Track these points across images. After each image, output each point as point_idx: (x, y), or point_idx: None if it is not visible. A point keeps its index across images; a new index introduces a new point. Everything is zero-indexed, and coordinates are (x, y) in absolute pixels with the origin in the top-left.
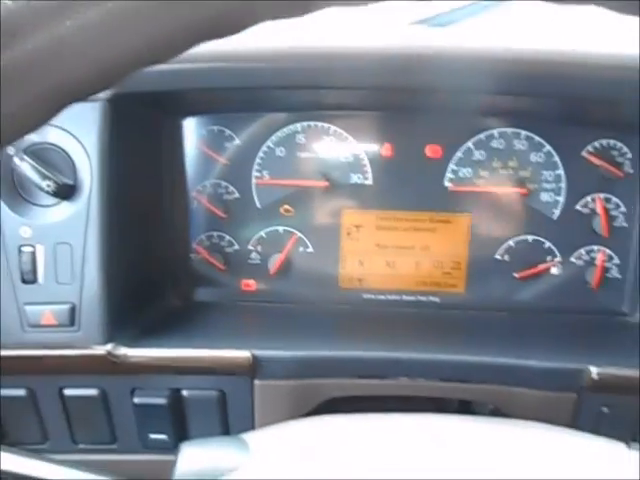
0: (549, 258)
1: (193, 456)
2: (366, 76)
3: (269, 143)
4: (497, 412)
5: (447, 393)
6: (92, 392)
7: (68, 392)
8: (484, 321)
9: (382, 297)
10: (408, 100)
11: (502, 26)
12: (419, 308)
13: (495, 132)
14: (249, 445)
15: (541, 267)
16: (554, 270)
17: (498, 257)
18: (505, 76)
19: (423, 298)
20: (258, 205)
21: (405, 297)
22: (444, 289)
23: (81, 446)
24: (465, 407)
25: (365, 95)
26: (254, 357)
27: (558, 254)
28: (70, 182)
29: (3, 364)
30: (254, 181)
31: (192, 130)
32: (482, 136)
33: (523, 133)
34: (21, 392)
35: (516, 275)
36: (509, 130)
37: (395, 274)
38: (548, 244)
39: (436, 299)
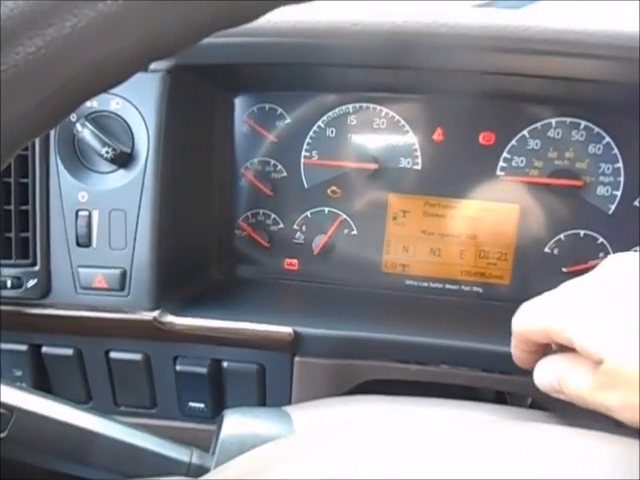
0: (601, 255)
1: (237, 423)
2: (420, 56)
3: (320, 123)
4: (535, 406)
5: (487, 383)
6: (136, 356)
7: (114, 355)
8: None
9: (425, 284)
10: (462, 84)
11: (574, 7)
12: (462, 297)
13: (553, 121)
14: (292, 417)
15: (592, 263)
16: None
17: (547, 250)
18: (564, 61)
19: (466, 288)
20: (305, 185)
21: (448, 286)
22: (489, 280)
23: (122, 408)
24: (502, 399)
25: (419, 76)
26: (295, 333)
27: (611, 251)
28: (127, 150)
29: (55, 323)
30: (303, 161)
31: (244, 107)
32: (538, 125)
33: (582, 123)
34: (69, 352)
35: (565, 270)
36: (567, 120)
37: (439, 262)
38: (601, 240)
39: (480, 289)
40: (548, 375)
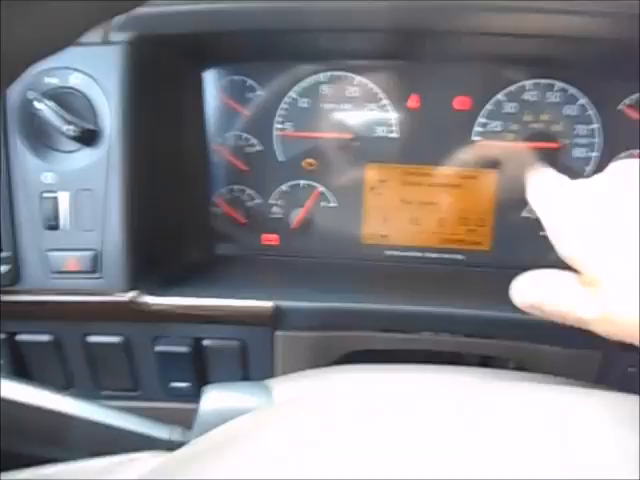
0: None
1: (216, 398)
2: (388, 18)
3: (292, 94)
4: (519, 369)
5: (470, 348)
6: (115, 339)
7: (92, 339)
8: (509, 279)
9: (405, 254)
10: (435, 47)
11: None
12: (443, 265)
13: (527, 83)
14: (272, 390)
15: None
16: None
17: (525, 215)
18: (537, 17)
19: (447, 255)
20: (280, 158)
21: (429, 254)
22: (469, 246)
23: (105, 393)
24: (486, 365)
25: (389, 41)
26: (275, 307)
27: None
28: (91, 127)
29: (28, 309)
30: (276, 133)
31: (213, 81)
32: (513, 88)
33: (557, 85)
34: (46, 338)
35: (543, 234)
36: (542, 81)
37: (419, 230)
38: None
39: (460, 256)
40: (526, 289)
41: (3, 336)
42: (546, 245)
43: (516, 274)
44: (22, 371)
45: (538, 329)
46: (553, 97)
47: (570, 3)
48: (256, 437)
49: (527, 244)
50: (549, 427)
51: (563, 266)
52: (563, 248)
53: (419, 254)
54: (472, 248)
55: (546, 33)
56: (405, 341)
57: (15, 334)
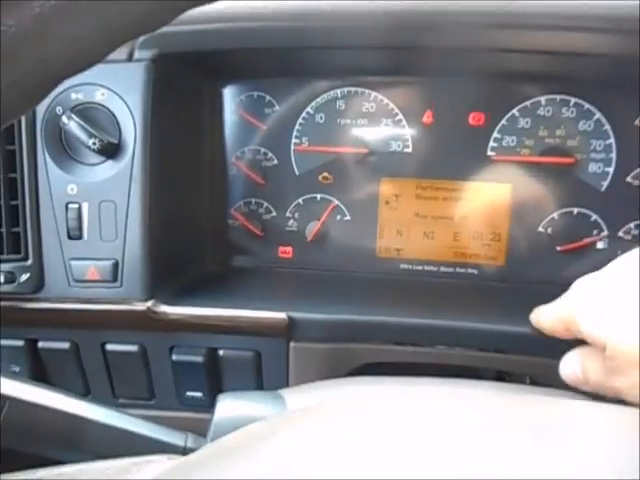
0: (595, 232)
1: (230, 407)
2: (401, 35)
3: (309, 109)
4: (534, 384)
5: (484, 363)
6: (132, 348)
7: (110, 347)
8: (524, 293)
9: (419, 267)
10: (448, 63)
11: None
12: (457, 279)
13: (542, 99)
14: (286, 400)
15: (586, 241)
16: (600, 245)
17: (541, 230)
18: (552, 34)
19: (461, 270)
20: (296, 172)
21: (443, 268)
22: (483, 261)
23: (121, 401)
24: (502, 380)
25: (407, 57)
26: (290, 319)
27: (605, 228)
28: (115, 141)
29: (49, 316)
30: (293, 148)
31: (232, 96)
32: (528, 103)
33: (572, 100)
34: (65, 345)
35: (559, 249)
36: (557, 97)
37: (433, 245)
38: (594, 217)
39: (474, 271)
40: (572, 367)
41: (24, 343)
42: (561, 261)
43: (530, 289)
44: (41, 377)
45: (553, 344)
46: (568, 112)
47: (583, 20)
48: (271, 441)
49: (542, 259)
50: (560, 438)
51: (577, 278)
52: (585, 329)
53: (433, 268)
54: (486, 263)
55: (559, 50)
56: (418, 354)
57: (36, 341)
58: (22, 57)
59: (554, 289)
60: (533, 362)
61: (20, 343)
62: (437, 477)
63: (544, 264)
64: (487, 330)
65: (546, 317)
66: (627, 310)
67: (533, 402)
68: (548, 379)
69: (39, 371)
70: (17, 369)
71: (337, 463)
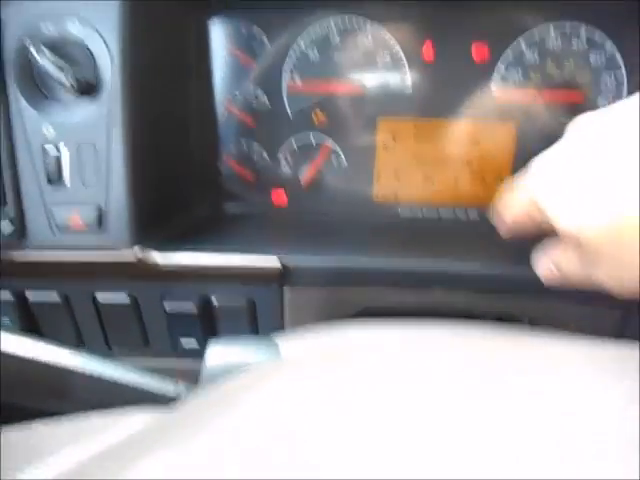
0: None
1: (221, 353)
2: None
3: (301, 43)
4: (534, 326)
5: (484, 304)
6: (123, 298)
7: (100, 296)
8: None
9: (418, 212)
10: None
11: None
12: (457, 224)
13: (551, 26)
14: (279, 345)
15: None
16: None
17: None
18: None
19: (462, 214)
20: (289, 113)
21: (443, 213)
22: (484, 203)
23: (116, 348)
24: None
25: None
26: (283, 264)
27: None
28: (91, 78)
29: (34, 266)
30: (285, 87)
31: (219, 30)
32: (535, 32)
33: (583, 27)
34: (55, 297)
35: None
36: (567, 23)
37: (433, 189)
38: None
39: (475, 215)
40: (544, 263)
41: (10, 296)
42: None
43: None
44: (34, 330)
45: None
46: (578, 43)
47: None
48: (260, 391)
49: None
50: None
51: None
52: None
53: (433, 213)
54: (488, 205)
55: None
56: (416, 297)
57: (24, 293)
58: None
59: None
60: (534, 304)
61: (8, 295)
62: (431, 428)
63: None
64: (487, 272)
65: (506, 209)
66: (598, 188)
67: (529, 344)
68: (549, 322)
69: (31, 324)
70: (7, 321)
71: (326, 416)
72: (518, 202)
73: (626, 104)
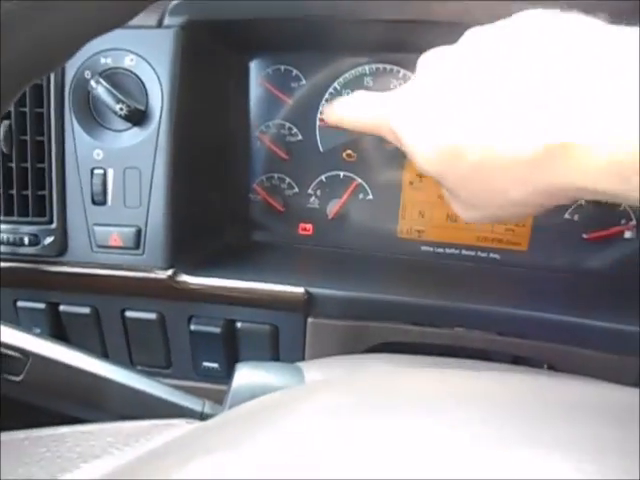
0: (623, 221)
1: (249, 375)
2: (437, 9)
3: (336, 85)
4: (553, 371)
5: (503, 347)
6: (151, 316)
7: (129, 314)
8: (546, 280)
9: (441, 250)
10: None
11: None
12: (478, 263)
13: None
14: (304, 372)
15: (613, 230)
16: (628, 234)
17: (567, 216)
18: None
19: (483, 254)
20: (321, 149)
21: (465, 252)
22: (506, 246)
23: (138, 368)
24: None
25: (435, 34)
26: (308, 294)
27: (633, 217)
28: (142, 107)
29: (71, 281)
30: (318, 123)
31: (259, 69)
32: None
33: None
34: (86, 310)
35: (585, 236)
36: None
37: (456, 227)
38: (623, 206)
39: (497, 256)
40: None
41: (45, 306)
42: (586, 249)
43: (552, 276)
44: (61, 340)
45: (574, 331)
46: None
47: None
48: (291, 410)
49: (566, 247)
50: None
51: (605, 269)
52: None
53: (455, 251)
54: (509, 248)
55: None
56: (436, 335)
57: (57, 305)
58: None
59: (577, 277)
60: (552, 348)
61: (42, 306)
62: (454, 458)
63: (568, 252)
64: (507, 314)
65: (354, 108)
66: (438, 119)
67: (556, 385)
68: (567, 366)
69: (59, 335)
70: (38, 331)
71: (355, 438)
72: (371, 113)
73: (465, 43)
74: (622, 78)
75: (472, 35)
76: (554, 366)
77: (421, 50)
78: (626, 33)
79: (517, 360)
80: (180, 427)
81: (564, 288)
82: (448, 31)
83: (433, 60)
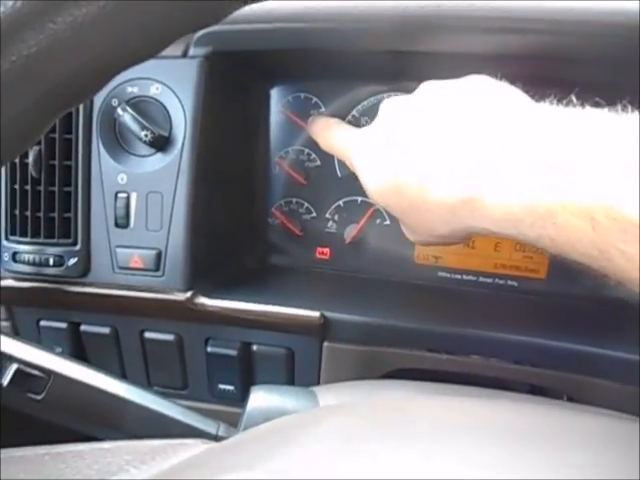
0: None
1: (264, 399)
2: (453, 40)
3: (354, 112)
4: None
5: (520, 376)
6: (170, 337)
7: (148, 335)
8: (564, 308)
9: (458, 276)
10: (494, 69)
11: None
12: (496, 291)
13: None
14: (318, 397)
15: None
16: None
17: None
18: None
19: (501, 281)
20: (339, 174)
21: (482, 279)
22: (524, 273)
23: (155, 389)
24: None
25: (453, 63)
26: (324, 318)
27: None
28: (165, 134)
29: (93, 301)
30: None
31: (279, 96)
32: None
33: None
34: (106, 330)
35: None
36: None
37: (473, 254)
38: None
39: (514, 283)
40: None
41: (67, 326)
42: (603, 279)
43: (571, 304)
44: (81, 359)
45: (594, 361)
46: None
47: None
48: (307, 432)
49: (584, 276)
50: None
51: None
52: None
53: (472, 278)
54: (527, 275)
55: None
56: (452, 363)
57: (79, 325)
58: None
59: (596, 306)
60: (570, 378)
61: (63, 325)
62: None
63: (586, 281)
64: (524, 343)
65: (326, 138)
66: (389, 156)
67: (571, 416)
68: (585, 397)
69: (79, 354)
70: (59, 350)
71: (369, 461)
72: (338, 144)
73: (418, 97)
74: (516, 151)
75: (425, 90)
76: (572, 396)
77: (437, 79)
78: (539, 112)
79: (535, 390)
80: (196, 447)
81: (583, 317)
82: (463, 62)
83: (391, 109)
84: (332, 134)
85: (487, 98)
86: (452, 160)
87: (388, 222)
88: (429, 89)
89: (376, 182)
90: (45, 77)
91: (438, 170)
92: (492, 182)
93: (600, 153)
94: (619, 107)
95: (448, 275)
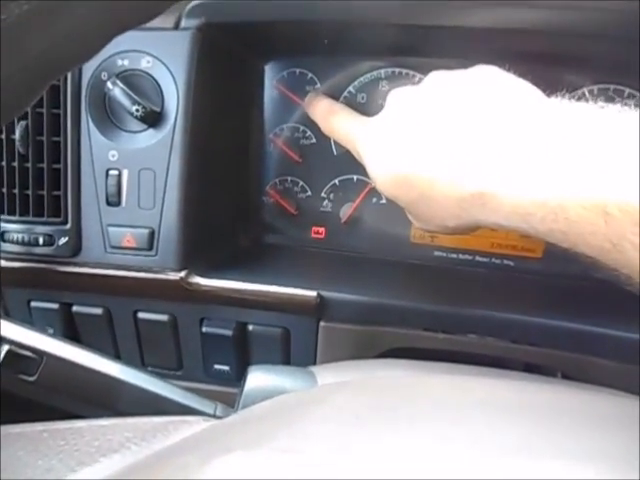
0: None
1: (261, 379)
2: (452, 14)
3: (350, 89)
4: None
5: (515, 355)
6: (163, 317)
7: (141, 315)
8: (561, 287)
9: (454, 256)
10: (498, 45)
11: None
12: (492, 270)
13: (595, 88)
14: (316, 376)
15: None
16: None
17: None
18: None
19: (497, 260)
20: (334, 152)
21: (478, 258)
22: (520, 253)
23: (149, 369)
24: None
25: (451, 38)
26: (321, 297)
27: None
28: (157, 109)
29: (84, 281)
30: None
31: (274, 72)
32: (578, 93)
33: (626, 91)
34: (99, 311)
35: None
36: (610, 86)
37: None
38: None
39: (511, 262)
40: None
41: (58, 307)
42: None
43: (567, 283)
44: (74, 341)
45: (589, 340)
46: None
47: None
48: (308, 410)
49: (581, 255)
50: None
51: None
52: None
53: (469, 257)
54: (523, 254)
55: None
56: (449, 342)
57: (70, 305)
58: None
59: (592, 285)
60: (565, 357)
61: (55, 306)
62: (463, 462)
63: (582, 259)
64: (521, 321)
65: (332, 118)
66: (395, 148)
67: (572, 394)
68: (581, 375)
69: (72, 335)
70: (51, 331)
71: (380, 439)
72: (342, 130)
73: (426, 87)
74: (527, 145)
75: (434, 80)
76: (567, 374)
77: (437, 55)
78: (550, 106)
79: (530, 368)
80: (198, 424)
81: (579, 296)
82: (462, 36)
83: (399, 99)
84: (337, 120)
85: (497, 91)
86: (463, 154)
87: (384, 201)
88: (438, 80)
89: (385, 173)
90: (25, 47)
91: (449, 163)
92: (503, 176)
93: (612, 146)
94: (632, 102)
95: (444, 254)
